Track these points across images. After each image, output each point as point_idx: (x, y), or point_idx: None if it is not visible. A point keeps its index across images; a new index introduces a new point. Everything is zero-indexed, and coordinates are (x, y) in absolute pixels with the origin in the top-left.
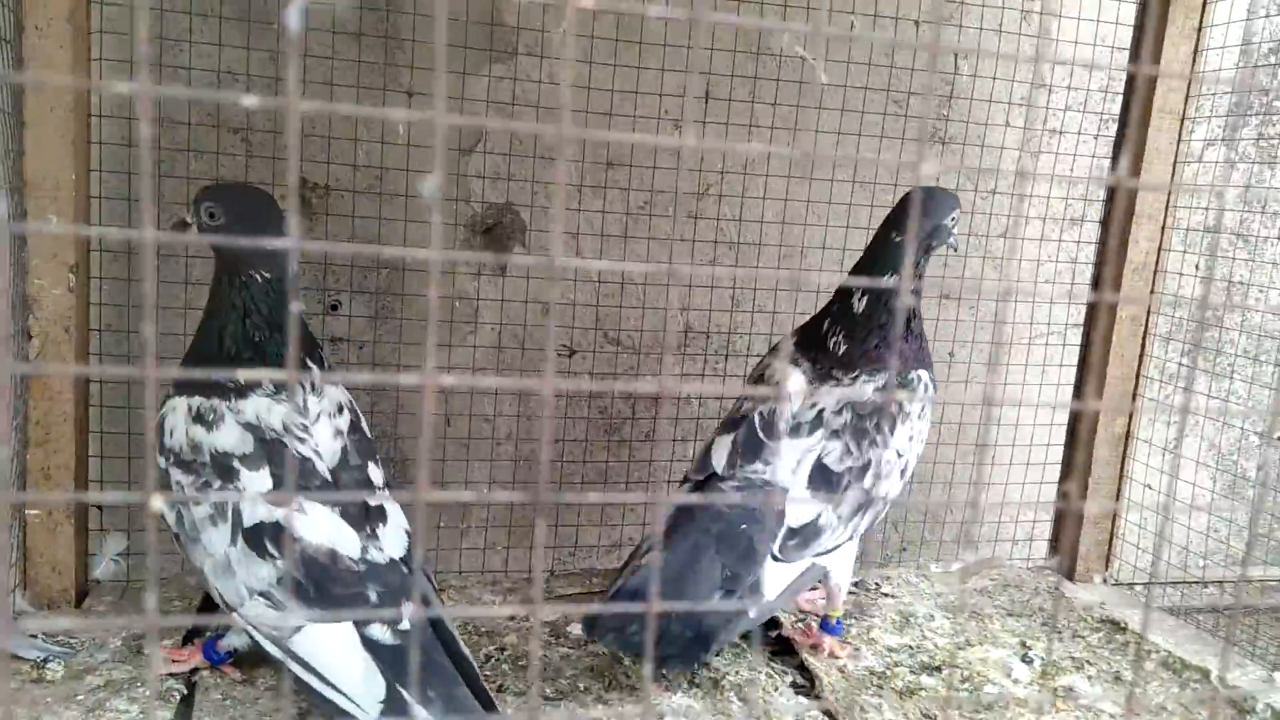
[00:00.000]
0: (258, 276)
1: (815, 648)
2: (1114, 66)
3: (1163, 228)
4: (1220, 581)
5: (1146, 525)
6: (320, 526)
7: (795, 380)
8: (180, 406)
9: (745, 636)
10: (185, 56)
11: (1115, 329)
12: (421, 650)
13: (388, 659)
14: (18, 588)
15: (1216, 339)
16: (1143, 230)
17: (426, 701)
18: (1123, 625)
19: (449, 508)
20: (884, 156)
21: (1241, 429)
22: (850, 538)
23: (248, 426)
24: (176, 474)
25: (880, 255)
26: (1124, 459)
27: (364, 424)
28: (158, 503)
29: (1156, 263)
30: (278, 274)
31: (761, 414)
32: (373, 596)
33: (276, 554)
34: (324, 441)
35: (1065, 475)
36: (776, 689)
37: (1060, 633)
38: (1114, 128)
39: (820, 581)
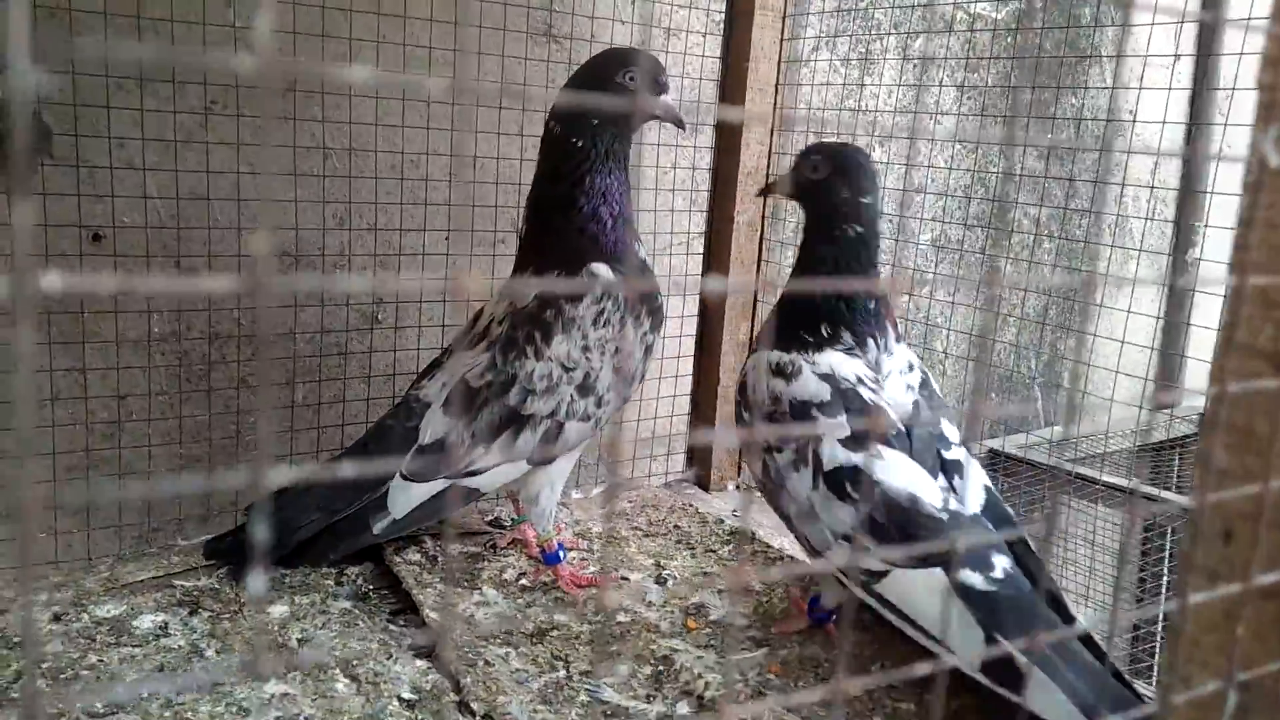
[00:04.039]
0: (851, 230)
1: (564, 581)
2: None
3: (771, 130)
4: None
5: None
6: (900, 472)
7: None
8: (762, 361)
9: (364, 598)
10: None
11: (733, 235)
12: (1023, 603)
13: (982, 605)
14: None
15: None
16: (753, 133)
17: (1043, 662)
18: (751, 535)
19: None
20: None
21: None
22: (504, 460)
23: (824, 377)
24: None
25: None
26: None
27: (934, 383)
28: None
29: (767, 167)
30: (869, 228)
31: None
32: (959, 542)
33: (857, 497)
34: (896, 395)
35: (697, 384)
36: (391, 656)
37: (694, 549)
38: (722, 27)
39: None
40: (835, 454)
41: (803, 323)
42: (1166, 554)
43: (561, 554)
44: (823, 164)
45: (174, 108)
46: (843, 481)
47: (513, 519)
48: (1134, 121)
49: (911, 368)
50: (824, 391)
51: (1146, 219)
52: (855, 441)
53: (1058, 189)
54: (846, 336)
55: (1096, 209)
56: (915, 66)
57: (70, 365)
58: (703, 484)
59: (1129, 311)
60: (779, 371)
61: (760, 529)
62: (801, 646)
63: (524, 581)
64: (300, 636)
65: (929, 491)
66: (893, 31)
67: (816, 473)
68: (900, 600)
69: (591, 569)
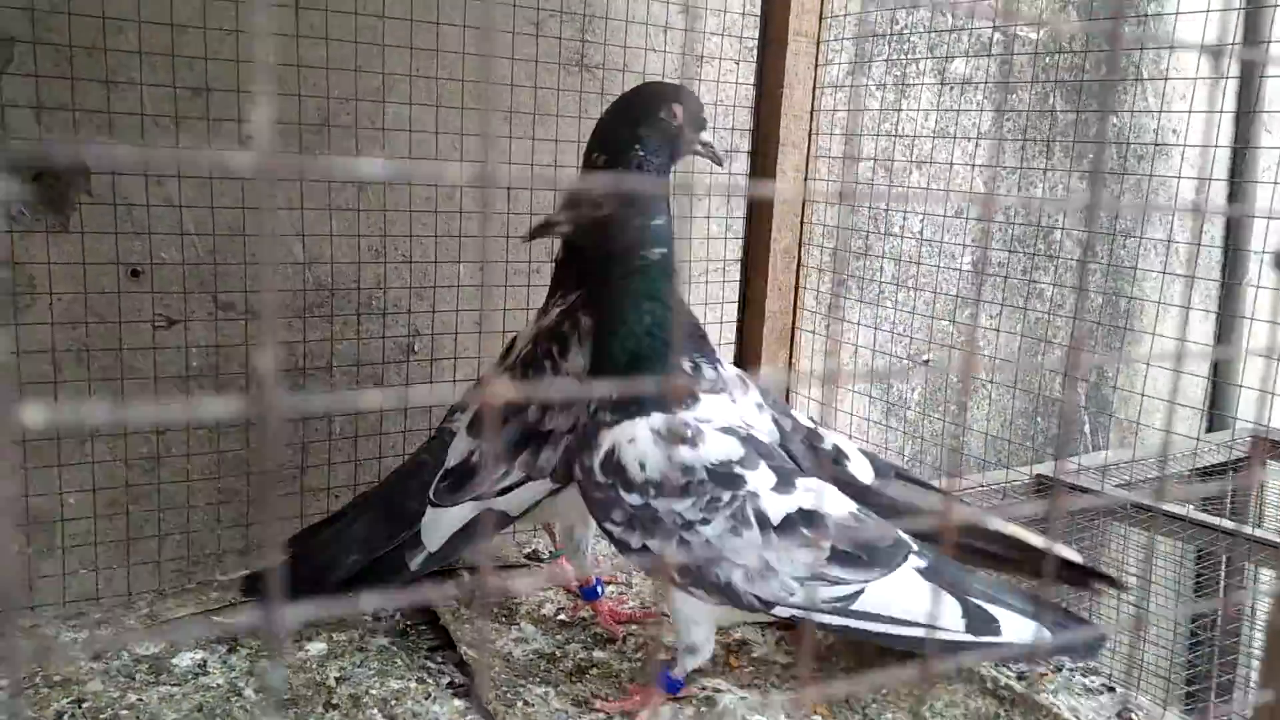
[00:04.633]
0: (651, 256)
1: (604, 617)
2: None
3: (807, 157)
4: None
5: None
6: (829, 497)
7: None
8: (641, 433)
9: (403, 635)
10: None
11: (771, 262)
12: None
13: (939, 574)
14: None
15: (864, 267)
16: (789, 160)
17: (992, 599)
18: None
19: (30, 528)
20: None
21: (897, 356)
22: (527, 477)
23: (726, 430)
24: (666, 504)
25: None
26: (787, 392)
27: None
28: None
29: (804, 193)
30: (669, 249)
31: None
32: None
33: (813, 536)
34: (754, 420)
35: None
36: (430, 695)
37: None
38: (755, 53)
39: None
40: (778, 505)
41: (664, 370)
42: (1221, 583)
43: (600, 589)
44: (604, 200)
45: (209, 145)
46: (796, 527)
47: (551, 551)
48: (1183, 145)
49: (744, 381)
50: (735, 447)
51: (1196, 244)
52: (784, 485)
53: (1102, 212)
54: (708, 371)
55: (1141, 233)
56: (952, 90)
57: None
58: None
59: (1186, 340)
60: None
61: None
62: (848, 686)
63: (562, 617)
64: (338, 675)
65: (850, 504)
66: (929, 55)
67: (764, 528)
68: (887, 607)
69: (631, 604)
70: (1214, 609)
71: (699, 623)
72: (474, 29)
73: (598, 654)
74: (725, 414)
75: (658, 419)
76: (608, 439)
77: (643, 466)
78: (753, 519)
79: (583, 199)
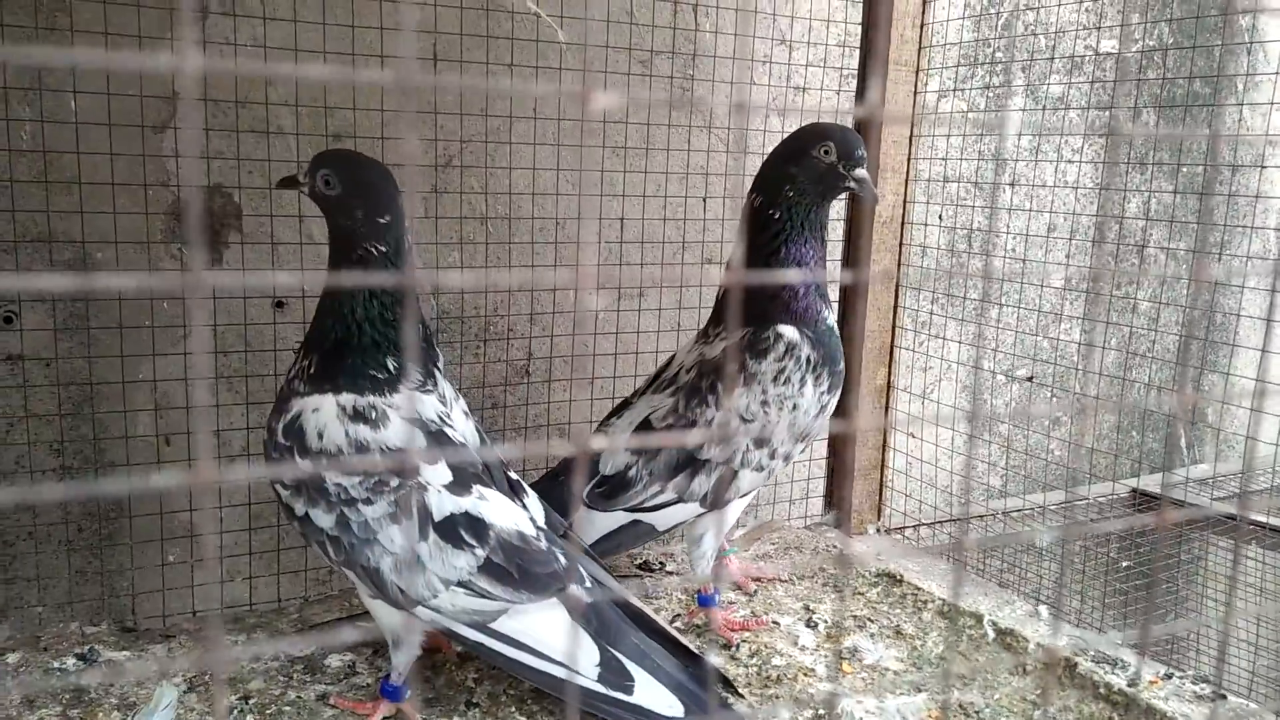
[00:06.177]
0: (374, 250)
1: (718, 625)
2: (849, 20)
3: (906, 180)
4: (976, 516)
5: (911, 472)
6: (502, 510)
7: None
8: (327, 406)
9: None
10: None
11: (869, 283)
12: (614, 611)
13: (590, 617)
14: None
15: (963, 285)
16: (888, 184)
17: (640, 658)
18: (899, 577)
19: (178, 541)
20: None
21: (992, 371)
22: (678, 499)
23: (413, 421)
24: (335, 477)
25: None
26: (886, 409)
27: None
28: None
29: (903, 216)
30: (393, 248)
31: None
32: (563, 561)
33: (475, 543)
34: (460, 425)
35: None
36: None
37: (842, 591)
38: (854, 83)
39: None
40: (444, 503)
41: (366, 360)
42: None
43: (716, 597)
44: (334, 180)
45: None
46: (456, 528)
47: (661, 562)
48: None
49: (457, 394)
50: (418, 439)
51: None
52: (458, 486)
53: (1193, 224)
54: (415, 373)
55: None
56: (1045, 110)
57: (257, 424)
58: (843, 526)
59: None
60: (360, 417)
61: (908, 572)
62: (961, 692)
63: (678, 624)
64: (475, 676)
65: (525, 522)
66: (1024, 82)
67: (425, 523)
68: (522, 633)
69: (742, 613)
70: None
71: (388, 617)
72: (594, 72)
73: (714, 659)
74: (425, 409)
75: (346, 397)
76: (296, 405)
77: (320, 436)
78: (414, 509)
79: (315, 174)
